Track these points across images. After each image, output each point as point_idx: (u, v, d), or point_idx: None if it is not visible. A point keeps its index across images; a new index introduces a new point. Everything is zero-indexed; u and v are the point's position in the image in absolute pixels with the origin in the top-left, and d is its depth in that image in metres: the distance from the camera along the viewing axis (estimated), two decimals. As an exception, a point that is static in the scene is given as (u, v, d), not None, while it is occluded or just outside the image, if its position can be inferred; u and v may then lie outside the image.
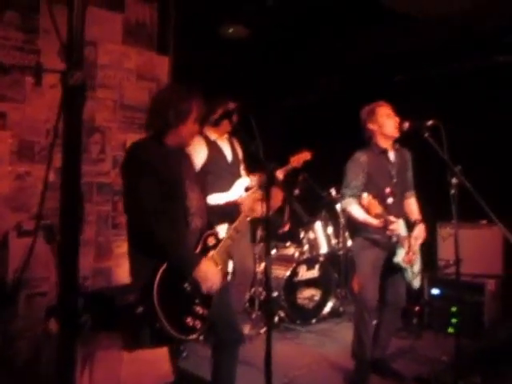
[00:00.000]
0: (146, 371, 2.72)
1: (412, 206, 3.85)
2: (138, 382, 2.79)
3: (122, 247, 4.42)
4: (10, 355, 3.31)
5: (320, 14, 5.27)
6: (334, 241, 5.76)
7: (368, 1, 4.73)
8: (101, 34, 4.34)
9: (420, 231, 3.67)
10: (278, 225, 5.81)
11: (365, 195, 3.33)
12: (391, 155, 3.74)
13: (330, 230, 5.76)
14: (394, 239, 3.50)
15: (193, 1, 4.90)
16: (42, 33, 3.93)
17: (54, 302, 3.43)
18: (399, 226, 3.53)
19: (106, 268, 4.46)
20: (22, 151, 3.94)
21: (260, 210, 2.93)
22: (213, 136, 4.21)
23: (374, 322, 4.00)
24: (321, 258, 5.47)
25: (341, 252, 5.77)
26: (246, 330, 4.72)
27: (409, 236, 3.61)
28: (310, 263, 5.35)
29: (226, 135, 4.30)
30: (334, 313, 5.42)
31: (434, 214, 4.73)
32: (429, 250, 3.76)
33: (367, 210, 3.34)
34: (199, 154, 4.11)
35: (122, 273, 4.35)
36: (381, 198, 3.45)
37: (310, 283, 5.30)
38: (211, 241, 2.71)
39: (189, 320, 2.50)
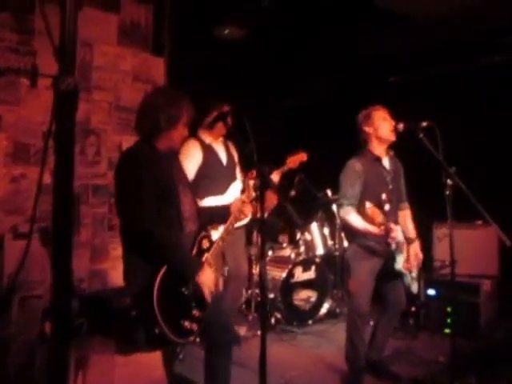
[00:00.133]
0: (139, 375, 2.72)
1: (407, 220, 3.85)
2: (132, 386, 2.79)
3: (118, 249, 4.38)
4: (4, 359, 3.29)
5: (318, 15, 5.28)
6: (330, 242, 5.76)
7: (367, 1, 4.75)
8: (96, 35, 4.33)
9: (414, 254, 3.64)
10: (278, 228, 5.82)
11: (368, 205, 3.30)
12: (386, 162, 3.74)
13: (327, 231, 5.76)
14: (394, 246, 3.49)
15: (188, 2, 4.90)
16: (38, 34, 3.91)
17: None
18: (398, 233, 3.53)
19: (102, 270, 4.45)
20: (17, 153, 3.92)
21: (248, 211, 2.94)
22: (208, 139, 4.20)
23: (371, 323, 4.02)
24: (317, 260, 5.47)
25: (337, 253, 5.77)
26: (243, 331, 4.72)
27: (407, 243, 3.62)
28: (306, 264, 5.35)
29: (220, 138, 4.29)
30: (330, 314, 5.42)
31: (429, 215, 4.74)
32: (425, 250, 3.75)
33: (371, 219, 3.32)
34: (194, 158, 4.10)
35: (118, 275, 4.30)
36: (378, 205, 3.44)
37: (306, 284, 5.29)
38: (205, 243, 2.71)
39: (187, 324, 2.51)
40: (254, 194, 2.99)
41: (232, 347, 2.89)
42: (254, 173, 2.98)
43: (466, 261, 4.41)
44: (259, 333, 4.65)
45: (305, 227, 5.64)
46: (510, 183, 5.16)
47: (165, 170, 2.59)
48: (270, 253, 5.67)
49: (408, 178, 3.93)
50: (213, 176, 4.10)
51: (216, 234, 2.88)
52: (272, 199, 3.27)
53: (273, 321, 5.08)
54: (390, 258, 3.55)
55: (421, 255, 3.68)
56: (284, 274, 5.11)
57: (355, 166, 3.64)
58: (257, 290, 5.12)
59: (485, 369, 3.72)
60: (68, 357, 1.56)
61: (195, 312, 2.56)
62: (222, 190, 4.08)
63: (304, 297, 5.26)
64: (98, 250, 4.44)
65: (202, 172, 4.09)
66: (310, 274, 5.34)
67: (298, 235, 5.68)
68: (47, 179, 1.78)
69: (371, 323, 4.05)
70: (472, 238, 4.98)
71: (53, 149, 1.62)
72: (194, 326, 2.54)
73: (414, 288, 3.72)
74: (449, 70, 5.75)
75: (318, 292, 5.35)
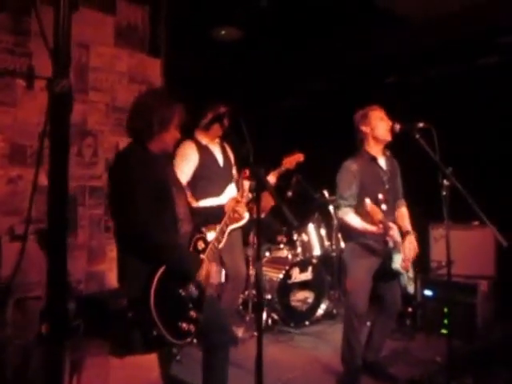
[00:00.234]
0: (135, 377, 2.71)
1: (403, 216, 3.85)
2: (127, 388, 2.78)
3: (115, 251, 4.35)
4: (1, 361, 3.28)
5: (316, 15, 5.29)
6: (327, 243, 5.76)
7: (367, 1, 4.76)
8: (92, 36, 4.33)
9: (409, 248, 3.64)
10: (275, 229, 5.82)
11: (367, 201, 3.32)
12: (382, 162, 3.74)
13: (323, 232, 5.77)
14: (391, 245, 3.49)
15: (185, 2, 4.90)
16: (34, 36, 3.91)
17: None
18: (396, 232, 3.53)
19: (99, 272, 4.44)
20: (13, 155, 3.91)
21: (243, 211, 2.94)
22: (204, 140, 4.20)
23: (368, 323, 4.02)
24: (314, 260, 5.47)
25: (334, 254, 5.77)
26: (240, 332, 4.72)
27: (404, 242, 3.61)
28: (303, 265, 5.35)
29: (217, 139, 4.29)
30: (327, 315, 5.42)
31: (426, 215, 4.75)
32: (421, 251, 3.75)
33: (370, 217, 3.33)
34: (191, 159, 4.10)
35: (115, 277, 4.32)
36: (375, 204, 3.44)
37: (303, 285, 5.29)
38: (200, 245, 2.71)
39: (184, 325, 2.51)
40: (249, 195, 3.00)
41: (229, 348, 2.89)
42: (248, 172, 2.99)
43: (462, 261, 4.41)
44: (256, 334, 4.66)
45: (301, 228, 5.64)
46: (507, 184, 5.17)
47: (159, 171, 2.59)
48: (267, 254, 5.67)
49: (405, 178, 3.93)
50: (210, 177, 4.10)
51: (211, 235, 2.88)
52: (269, 200, 3.27)
53: (270, 322, 5.08)
54: (388, 257, 3.55)
55: (415, 246, 3.67)
56: (281, 275, 5.11)
57: (351, 166, 3.65)
58: (254, 291, 5.11)
59: (481, 369, 3.72)
60: (63, 358, 1.56)
61: (192, 313, 2.56)
62: (219, 192, 4.08)
63: (301, 298, 5.26)
64: (95, 251, 4.44)
65: (198, 173, 4.09)
66: (307, 275, 5.34)
67: (295, 236, 5.68)
68: (45, 180, 1.78)
69: (368, 324, 4.06)
70: (469, 238, 4.97)
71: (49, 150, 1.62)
72: (192, 327, 2.54)
73: (411, 289, 3.71)
74: (448, 71, 5.76)
75: (314, 293, 5.35)
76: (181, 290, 2.52)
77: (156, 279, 2.41)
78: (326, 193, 5.65)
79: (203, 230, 2.80)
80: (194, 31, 5.45)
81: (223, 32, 5.77)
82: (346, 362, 3.72)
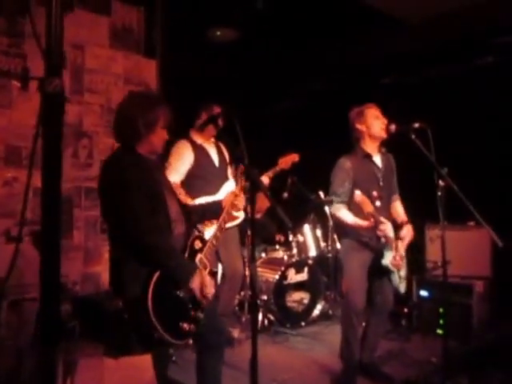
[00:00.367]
0: (129, 377, 2.71)
1: (398, 208, 3.87)
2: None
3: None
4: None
5: (314, 16, 5.30)
6: (322, 244, 5.76)
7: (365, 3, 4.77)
8: (88, 37, 4.33)
9: (408, 231, 3.67)
10: (271, 229, 5.82)
11: (358, 192, 3.36)
12: (377, 159, 3.76)
13: (319, 232, 5.76)
14: (383, 240, 3.51)
15: (180, 3, 4.90)
16: (28, 37, 3.91)
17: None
18: (388, 228, 3.54)
19: (94, 273, 4.44)
20: (8, 157, 3.91)
21: (241, 204, 2.93)
22: (199, 140, 4.21)
23: (363, 323, 4.01)
24: (310, 261, 5.46)
25: (330, 255, 5.76)
26: (236, 333, 4.71)
27: (396, 239, 3.62)
28: (298, 266, 5.34)
29: (212, 139, 4.30)
30: (323, 316, 5.41)
31: (422, 216, 4.74)
32: (417, 251, 3.75)
33: (360, 208, 3.35)
34: (186, 158, 4.11)
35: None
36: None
37: (299, 286, 5.29)
38: (197, 244, 2.70)
39: (185, 325, 2.50)
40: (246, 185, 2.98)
41: (224, 349, 2.89)
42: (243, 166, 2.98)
43: (458, 262, 4.41)
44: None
45: (296, 229, 5.65)
46: (503, 184, 5.18)
47: (149, 174, 2.58)
48: (262, 255, 5.67)
49: (400, 178, 3.94)
50: (205, 177, 4.11)
51: (209, 231, 2.88)
52: (264, 201, 3.27)
53: (266, 322, 5.07)
54: (380, 253, 3.56)
55: (412, 234, 3.68)
56: (277, 276, 5.11)
57: (345, 163, 3.67)
58: (250, 292, 5.11)
59: (477, 370, 3.72)
60: (57, 360, 1.55)
61: (193, 313, 2.56)
62: (214, 191, 4.09)
63: (297, 298, 5.26)
64: (91, 252, 4.43)
65: (194, 172, 4.10)
66: (303, 276, 5.34)
67: (291, 237, 5.68)
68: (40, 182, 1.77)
69: (362, 324, 4.06)
70: (464, 239, 4.98)
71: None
72: (193, 327, 2.54)
73: (402, 288, 3.71)
74: (447, 71, 5.76)
75: (310, 294, 5.35)
76: (179, 292, 2.51)
77: (153, 282, 2.39)
78: (321, 194, 5.65)
79: (200, 228, 2.79)
80: (190, 32, 5.45)
81: (218, 33, 5.77)
82: (344, 360, 3.73)
